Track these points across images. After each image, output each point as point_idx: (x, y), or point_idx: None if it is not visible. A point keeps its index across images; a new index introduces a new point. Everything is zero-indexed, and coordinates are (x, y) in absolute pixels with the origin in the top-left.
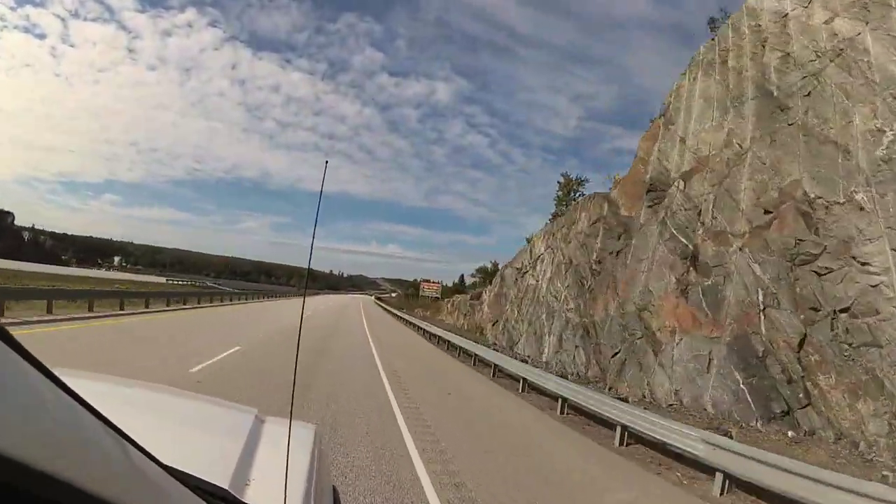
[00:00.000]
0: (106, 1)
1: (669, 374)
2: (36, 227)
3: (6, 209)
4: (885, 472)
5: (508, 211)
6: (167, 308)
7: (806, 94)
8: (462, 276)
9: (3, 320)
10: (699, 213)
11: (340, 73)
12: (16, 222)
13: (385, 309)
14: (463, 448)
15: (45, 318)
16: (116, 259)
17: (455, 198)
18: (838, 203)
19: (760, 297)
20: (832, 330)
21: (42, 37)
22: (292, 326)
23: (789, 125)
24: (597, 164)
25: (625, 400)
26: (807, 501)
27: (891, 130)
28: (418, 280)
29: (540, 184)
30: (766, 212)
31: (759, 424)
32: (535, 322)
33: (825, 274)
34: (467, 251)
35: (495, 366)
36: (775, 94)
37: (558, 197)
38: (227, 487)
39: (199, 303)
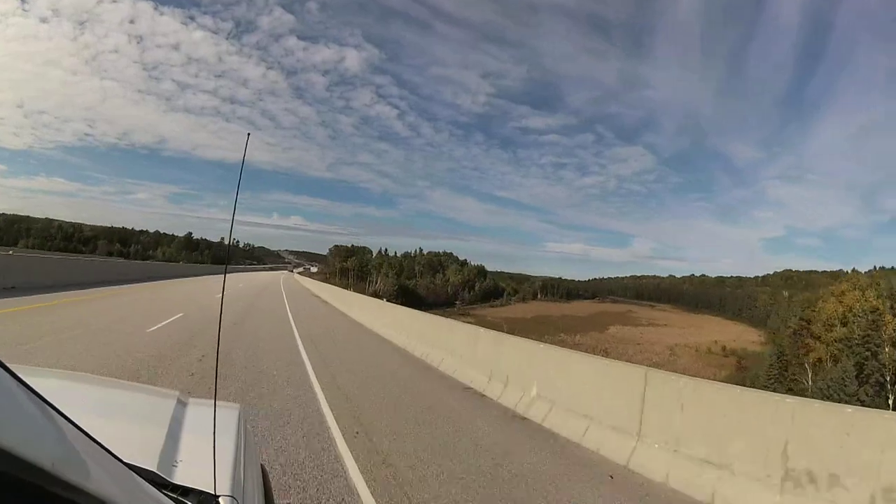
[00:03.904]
0: None
1: None
2: None
3: None
4: None
5: (414, 184)
6: None
7: None
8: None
9: None
10: None
11: (246, 33)
12: None
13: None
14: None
15: None
16: None
17: (361, 169)
18: None
19: None
20: None
21: None
22: None
23: None
24: (503, 141)
25: None
26: None
27: None
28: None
29: (446, 158)
30: None
31: None
32: None
33: None
34: (372, 223)
35: None
36: None
37: None
38: (154, 470)
39: None
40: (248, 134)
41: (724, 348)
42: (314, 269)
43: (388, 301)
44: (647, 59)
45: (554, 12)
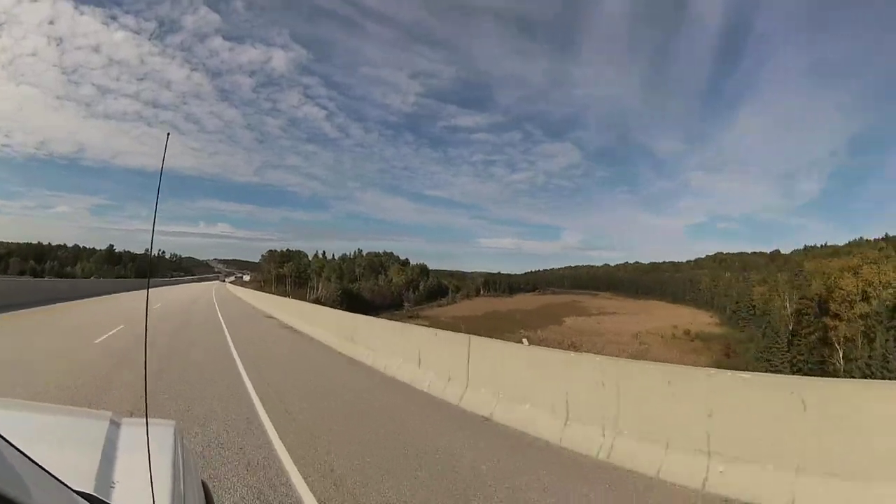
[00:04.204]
0: None
1: None
2: None
3: None
4: None
5: (343, 185)
6: None
7: None
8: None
9: None
10: None
11: (170, 33)
12: None
13: None
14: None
15: None
16: None
17: (289, 172)
18: None
19: None
20: None
21: None
22: None
23: None
24: (433, 140)
25: None
26: None
27: None
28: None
29: (377, 158)
30: None
31: None
32: None
33: None
34: (301, 227)
35: None
36: None
37: None
38: (92, 493)
39: None
40: (168, 134)
41: (687, 332)
42: (247, 278)
43: (333, 308)
44: (574, 58)
45: (483, 13)
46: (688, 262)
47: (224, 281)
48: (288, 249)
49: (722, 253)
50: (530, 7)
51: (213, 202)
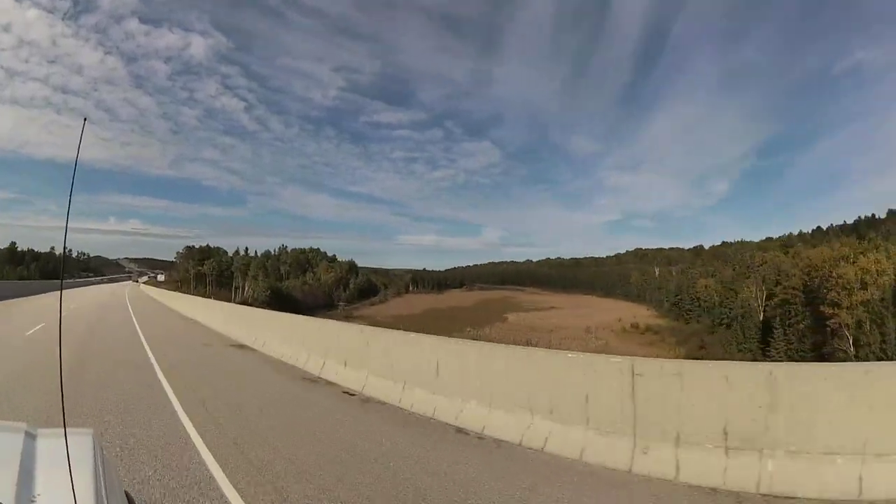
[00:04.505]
0: None
1: None
2: None
3: None
4: None
5: (262, 180)
6: None
7: None
8: None
9: None
10: None
11: (85, 13)
12: None
13: None
14: None
15: None
16: None
17: (205, 166)
18: None
19: None
20: None
21: None
22: None
23: None
24: (355, 136)
25: None
26: None
27: None
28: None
29: (297, 153)
30: None
31: None
32: None
33: None
34: (219, 224)
35: None
36: None
37: None
38: None
39: None
40: (85, 119)
41: (635, 326)
42: (161, 278)
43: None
44: (497, 58)
45: (409, 8)
46: (608, 256)
47: (137, 281)
48: (208, 245)
49: (641, 248)
50: (456, 4)
51: (124, 197)
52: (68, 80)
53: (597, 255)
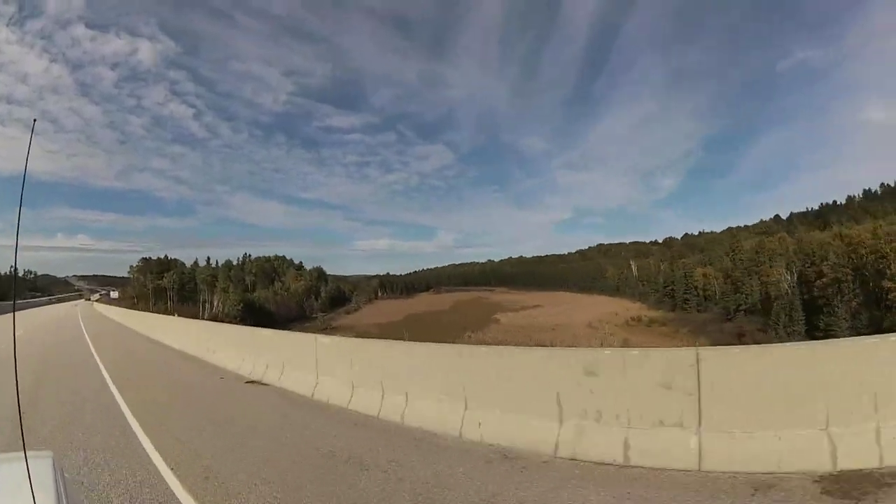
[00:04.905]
0: None
1: None
2: None
3: None
4: None
5: (212, 189)
6: None
7: None
8: None
9: None
10: None
11: (31, 18)
12: None
13: None
14: None
15: None
16: None
17: (154, 176)
18: None
19: None
20: None
21: None
22: None
23: None
24: (306, 141)
25: None
26: None
27: None
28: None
29: (247, 160)
30: None
31: None
32: None
33: None
34: (169, 236)
35: None
36: None
37: None
38: None
39: None
40: (35, 120)
41: (637, 319)
42: (115, 294)
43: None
44: (448, 60)
45: (359, 10)
46: (569, 253)
47: (90, 300)
48: (166, 256)
49: (604, 244)
50: (406, 6)
51: (72, 211)
52: (13, 89)
53: (559, 253)
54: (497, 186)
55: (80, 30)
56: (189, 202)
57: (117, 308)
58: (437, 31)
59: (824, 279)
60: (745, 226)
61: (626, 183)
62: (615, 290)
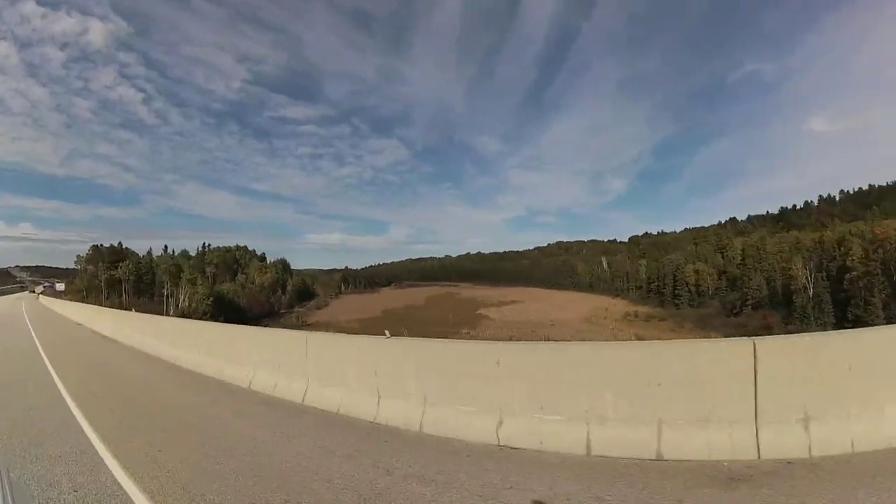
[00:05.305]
0: None
1: None
2: None
3: None
4: None
5: (160, 178)
6: None
7: None
8: None
9: None
10: None
11: None
12: None
13: None
14: None
15: None
16: None
17: (100, 162)
18: None
19: None
20: None
21: None
22: None
23: None
24: (259, 131)
25: None
26: None
27: None
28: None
29: (197, 149)
30: None
31: None
32: None
33: None
34: (115, 226)
35: None
36: None
37: None
38: None
39: None
40: None
41: (636, 314)
42: (60, 287)
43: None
44: (407, 56)
45: (319, 0)
46: (526, 250)
47: (35, 292)
48: (120, 244)
49: (563, 242)
50: (367, 0)
51: (14, 198)
52: None
53: (517, 249)
54: (451, 184)
55: (30, 6)
56: (136, 191)
57: (67, 302)
58: (397, 27)
59: (854, 273)
60: (704, 227)
61: (578, 184)
62: (588, 287)
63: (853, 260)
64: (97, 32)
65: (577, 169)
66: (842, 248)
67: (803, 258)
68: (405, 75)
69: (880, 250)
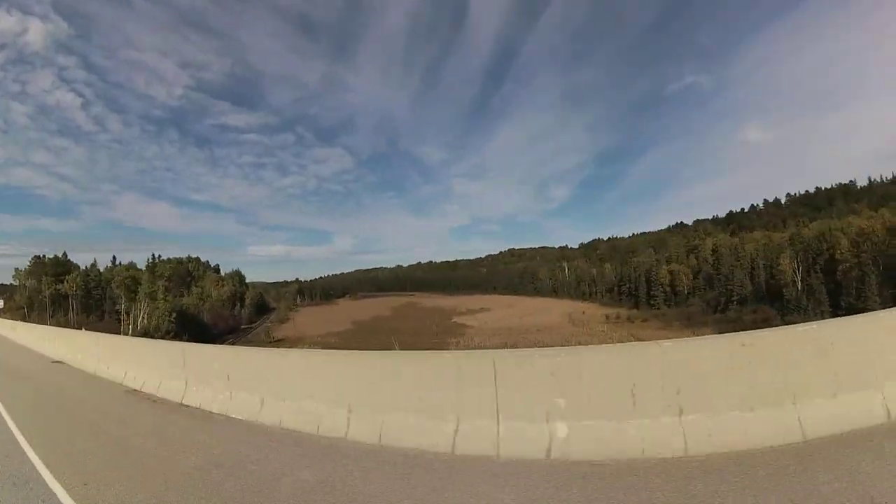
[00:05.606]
0: None
1: None
2: None
3: None
4: None
5: (98, 188)
6: None
7: None
8: None
9: None
10: None
11: None
12: None
13: None
14: None
15: None
16: None
17: (35, 171)
18: None
19: None
20: None
21: None
22: None
23: None
24: (199, 139)
25: None
26: None
27: None
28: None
29: (136, 157)
30: None
31: None
32: None
33: None
34: (50, 240)
35: None
36: None
37: None
38: None
39: None
40: None
41: (619, 316)
42: None
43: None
44: (351, 65)
45: (264, 6)
46: (478, 258)
47: None
48: (65, 255)
49: (514, 249)
50: (312, 6)
51: None
52: None
53: (467, 258)
54: (395, 193)
55: None
56: (73, 202)
57: (8, 321)
58: (341, 34)
59: (847, 264)
60: (654, 231)
61: (521, 192)
62: (552, 292)
63: (842, 253)
64: (36, 33)
65: (520, 177)
66: (825, 244)
67: (793, 253)
68: (350, 83)
69: (867, 243)
